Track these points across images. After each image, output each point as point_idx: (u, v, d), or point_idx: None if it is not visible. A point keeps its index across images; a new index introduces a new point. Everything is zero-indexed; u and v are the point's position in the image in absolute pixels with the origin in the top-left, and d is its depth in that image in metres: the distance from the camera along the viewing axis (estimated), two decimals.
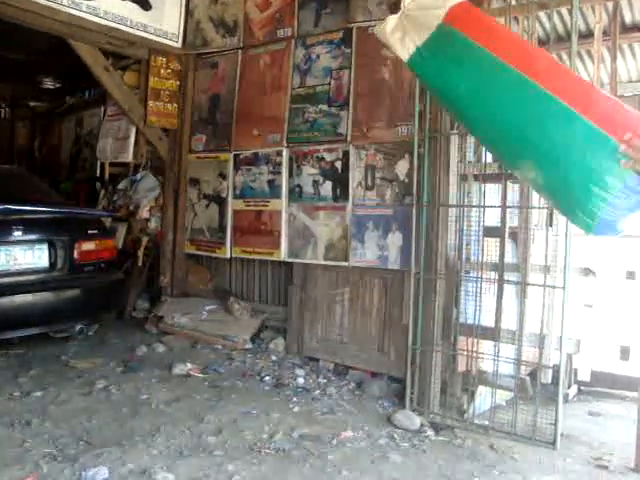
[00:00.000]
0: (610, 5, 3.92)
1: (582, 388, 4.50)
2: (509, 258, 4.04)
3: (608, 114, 2.69)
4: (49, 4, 4.92)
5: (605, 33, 3.98)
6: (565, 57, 5.73)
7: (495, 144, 3.27)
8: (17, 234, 4.41)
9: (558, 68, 3.09)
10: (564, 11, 4.56)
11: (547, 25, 5.20)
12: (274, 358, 5.00)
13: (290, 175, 5.19)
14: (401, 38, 3.38)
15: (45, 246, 4.61)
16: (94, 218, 5.36)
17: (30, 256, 4.52)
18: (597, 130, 2.63)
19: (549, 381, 3.90)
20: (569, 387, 4.34)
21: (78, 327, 5.15)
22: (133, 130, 6.42)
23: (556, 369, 3.73)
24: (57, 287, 4.69)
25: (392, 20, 3.42)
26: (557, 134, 2.77)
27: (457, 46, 3.13)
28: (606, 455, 3.43)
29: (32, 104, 10.20)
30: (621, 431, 3.71)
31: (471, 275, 3.97)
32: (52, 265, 4.65)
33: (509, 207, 3.83)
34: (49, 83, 9.13)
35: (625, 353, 3.73)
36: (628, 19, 5.02)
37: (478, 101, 3.11)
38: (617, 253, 3.83)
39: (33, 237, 4.56)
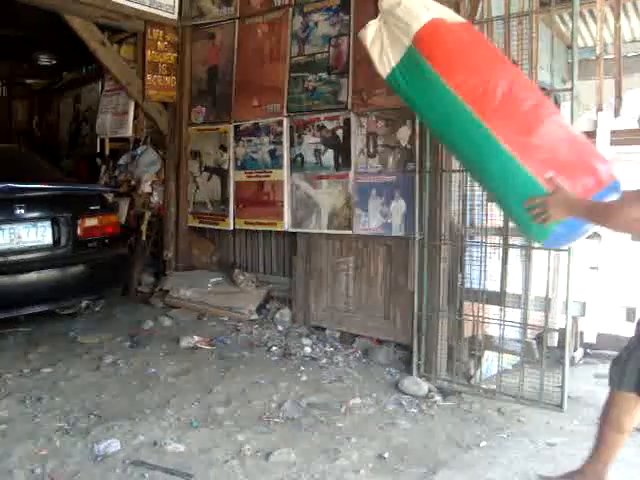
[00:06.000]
0: None
1: (588, 351, 4.51)
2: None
3: (546, 156, 2.62)
4: None
5: None
6: (567, 18, 5.66)
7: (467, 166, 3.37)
8: (20, 212, 4.39)
9: (510, 100, 2.79)
10: None
11: None
12: (280, 328, 5.02)
13: (291, 145, 5.14)
14: (379, 53, 3.19)
15: (48, 223, 4.60)
16: (96, 194, 5.32)
17: (34, 234, 4.52)
18: (530, 177, 2.58)
19: (555, 344, 3.92)
20: (575, 350, 4.35)
21: (84, 303, 5.18)
22: (132, 104, 6.36)
23: (562, 332, 3.74)
24: (62, 264, 4.69)
25: (372, 27, 3.22)
26: (499, 178, 2.76)
27: (422, 73, 3.00)
28: None
29: (29, 82, 10.12)
30: None
31: (476, 240, 3.96)
32: (56, 242, 4.64)
33: None
34: (45, 60, 9.02)
35: (631, 314, 3.74)
36: None
37: (441, 131, 3.17)
38: None
39: (36, 215, 4.55)
